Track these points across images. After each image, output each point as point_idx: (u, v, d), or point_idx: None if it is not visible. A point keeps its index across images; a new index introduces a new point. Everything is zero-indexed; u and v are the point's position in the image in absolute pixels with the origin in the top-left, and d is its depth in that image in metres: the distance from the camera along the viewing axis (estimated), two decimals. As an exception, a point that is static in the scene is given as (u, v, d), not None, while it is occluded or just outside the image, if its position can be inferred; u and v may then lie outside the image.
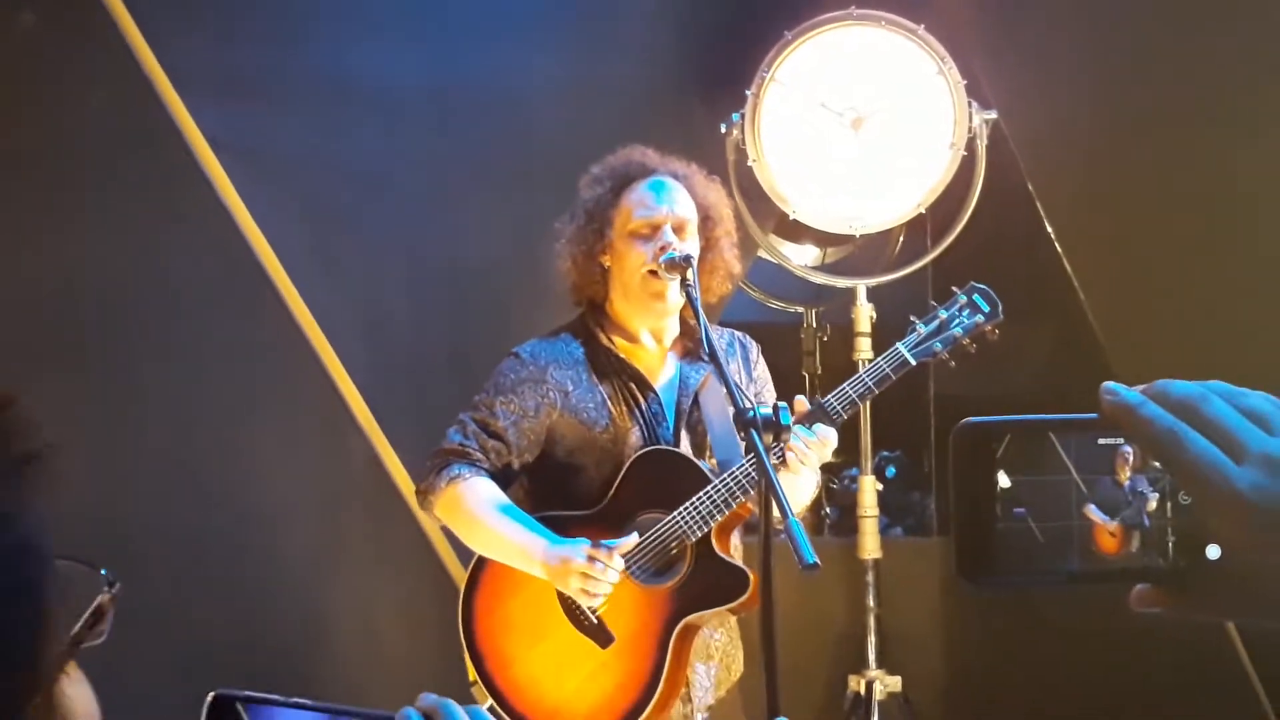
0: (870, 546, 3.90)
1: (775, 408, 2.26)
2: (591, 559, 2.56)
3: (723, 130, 3.87)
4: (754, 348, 3.00)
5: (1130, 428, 0.75)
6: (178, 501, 3.76)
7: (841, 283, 4.06)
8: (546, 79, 4.05)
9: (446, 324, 4.01)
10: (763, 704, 2.21)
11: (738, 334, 3.01)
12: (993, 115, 3.84)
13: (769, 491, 2.14)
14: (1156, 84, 3.86)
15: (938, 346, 2.75)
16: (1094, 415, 0.76)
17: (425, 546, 3.85)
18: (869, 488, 3.93)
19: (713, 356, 2.52)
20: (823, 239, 4.50)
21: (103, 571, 0.85)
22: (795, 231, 4.31)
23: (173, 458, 3.79)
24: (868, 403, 3.75)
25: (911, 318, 2.78)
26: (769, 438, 2.21)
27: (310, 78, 3.99)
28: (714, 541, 2.69)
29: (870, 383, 2.71)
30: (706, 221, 2.86)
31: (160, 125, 3.81)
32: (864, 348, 3.89)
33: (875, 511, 3.93)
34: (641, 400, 2.81)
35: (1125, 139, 3.93)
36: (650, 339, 2.88)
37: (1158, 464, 0.76)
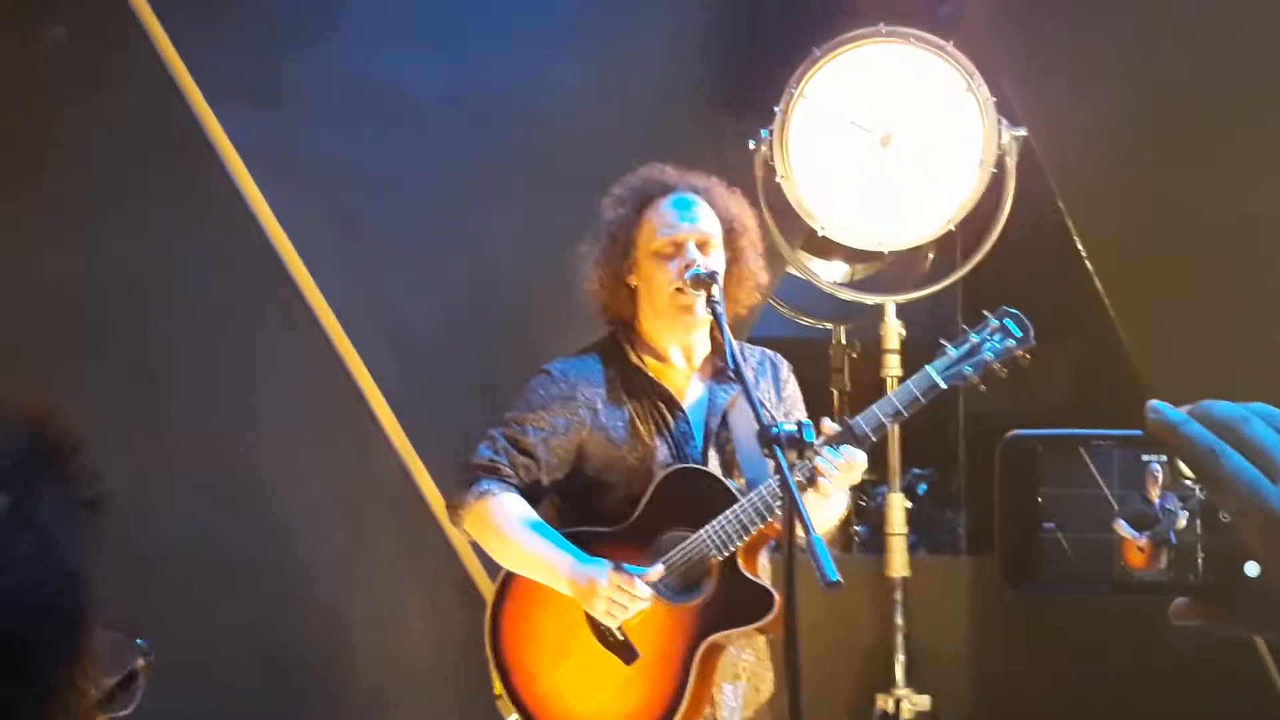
0: (898, 565, 3.89)
1: (799, 424, 2.26)
2: (617, 585, 2.57)
3: (751, 146, 3.87)
4: (785, 366, 3.00)
5: (1172, 445, 0.77)
6: (202, 510, 3.79)
7: (870, 299, 4.05)
8: (572, 89, 4.07)
9: (472, 331, 4.03)
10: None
11: (769, 353, 3.00)
12: (1022, 132, 3.83)
13: (792, 508, 2.14)
14: (1188, 99, 3.84)
15: (968, 370, 2.72)
16: (1138, 431, 0.78)
17: (451, 556, 3.86)
18: (897, 506, 3.91)
19: (736, 372, 2.51)
20: (851, 255, 4.49)
21: (139, 641, 0.87)
22: (824, 248, 4.30)
23: (197, 465, 3.82)
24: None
25: (942, 340, 2.76)
26: (792, 454, 2.21)
27: (336, 85, 4.03)
28: (740, 561, 2.69)
29: (900, 405, 2.70)
30: (731, 233, 2.86)
31: (188, 132, 3.86)
32: (892, 365, 3.87)
33: (904, 530, 3.91)
34: (670, 419, 2.81)
35: (1156, 155, 3.90)
36: (680, 358, 2.88)
37: (1189, 481, 0.78)
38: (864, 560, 4.38)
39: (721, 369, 2.87)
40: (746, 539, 2.66)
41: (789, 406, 2.94)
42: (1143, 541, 0.78)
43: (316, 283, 3.91)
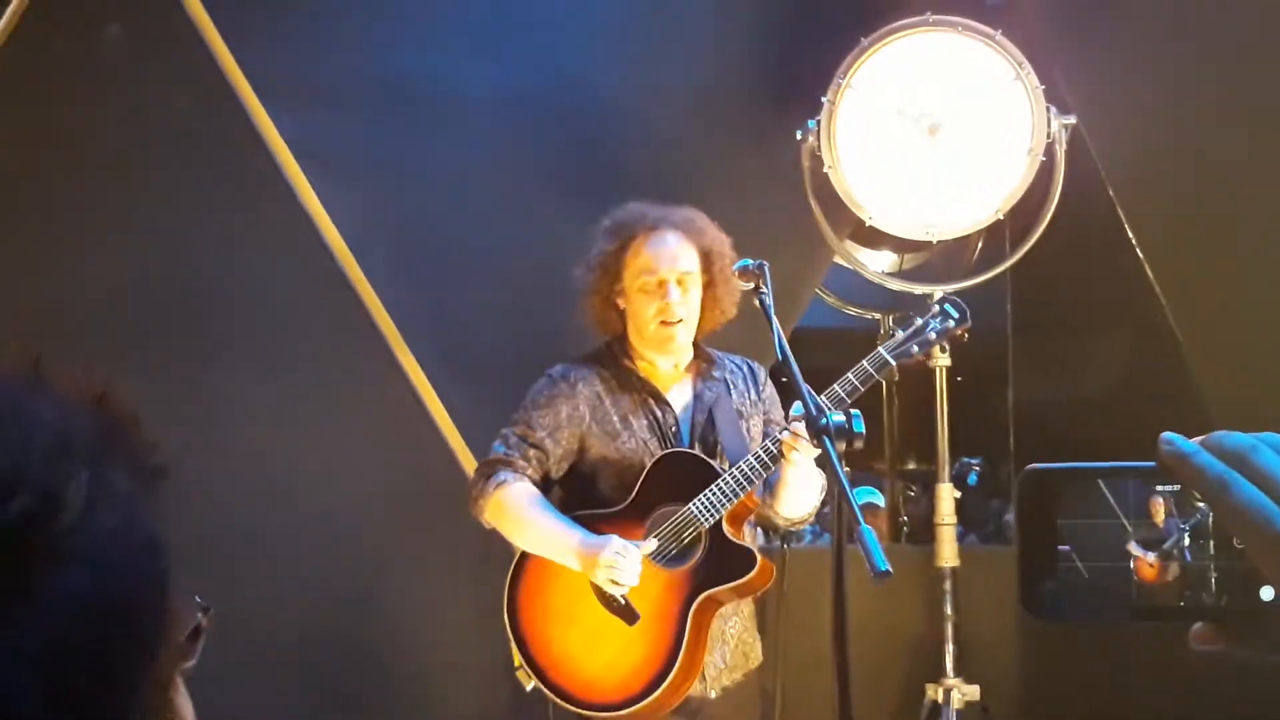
0: (948, 554, 3.88)
1: (849, 415, 2.38)
2: (618, 553, 2.89)
3: (798, 137, 3.87)
4: (762, 372, 3.35)
5: (1184, 476, 0.79)
6: (251, 501, 3.85)
7: (918, 289, 4.04)
8: (619, 84, 4.09)
9: (519, 325, 4.06)
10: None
11: (747, 360, 3.35)
12: (1072, 120, 3.80)
13: (842, 498, 2.17)
14: (1239, 86, 3.80)
15: (914, 349, 3.11)
16: (1152, 464, 0.80)
17: (496, 542, 3.89)
18: (946, 495, 3.90)
19: (784, 361, 2.67)
20: (899, 245, 4.48)
21: (197, 598, 0.91)
22: (871, 238, 4.30)
23: (252, 458, 3.87)
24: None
25: (890, 323, 2.95)
26: (841, 445, 2.25)
27: (387, 85, 4.08)
28: (726, 527, 3.01)
29: (857, 382, 3.03)
30: (707, 259, 3.16)
31: (242, 131, 3.91)
32: (940, 354, 3.85)
33: (953, 520, 3.90)
34: (659, 414, 3.17)
35: (1207, 142, 3.87)
36: (668, 363, 3.22)
37: (1201, 506, 0.80)
38: (913, 550, 4.38)
39: (705, 370, 3.23)
40: (729, 507, 2.99)
41: (767, 406, 3.29)
42: (1154, 561, 0.81)
43: (368, 278, 3.97)
